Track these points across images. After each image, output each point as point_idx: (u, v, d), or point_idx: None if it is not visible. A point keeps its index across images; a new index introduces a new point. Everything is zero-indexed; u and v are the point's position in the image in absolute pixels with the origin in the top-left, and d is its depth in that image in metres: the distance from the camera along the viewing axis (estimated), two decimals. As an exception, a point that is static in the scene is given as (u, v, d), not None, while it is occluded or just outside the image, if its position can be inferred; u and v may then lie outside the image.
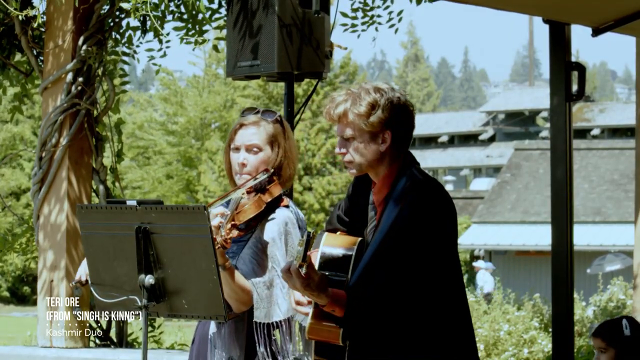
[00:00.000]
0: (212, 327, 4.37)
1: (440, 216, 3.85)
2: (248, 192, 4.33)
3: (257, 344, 4.27)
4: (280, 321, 4.30)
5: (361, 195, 4.05)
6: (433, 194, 3.85)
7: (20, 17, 7.25)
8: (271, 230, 4.32)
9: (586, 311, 16.21)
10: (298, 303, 3.99)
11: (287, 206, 4.40)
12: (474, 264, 27.38)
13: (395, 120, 3.90)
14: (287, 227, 4.33)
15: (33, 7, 7.19)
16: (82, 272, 4.34)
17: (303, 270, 3.68)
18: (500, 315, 14.95)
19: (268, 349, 4.29)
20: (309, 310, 3.93)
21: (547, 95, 5.48)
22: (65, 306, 7.46)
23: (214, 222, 4.11)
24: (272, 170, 4.34)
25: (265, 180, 4.33)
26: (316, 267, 3.89)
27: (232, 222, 4.18)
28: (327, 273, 3.84)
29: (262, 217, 4.34)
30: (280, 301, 4.28)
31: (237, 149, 4.39)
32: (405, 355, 3.82)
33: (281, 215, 4.35)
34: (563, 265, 5.39)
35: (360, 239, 3.97)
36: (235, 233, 4.18)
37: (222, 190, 28.53)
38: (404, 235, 3.78)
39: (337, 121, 3.94)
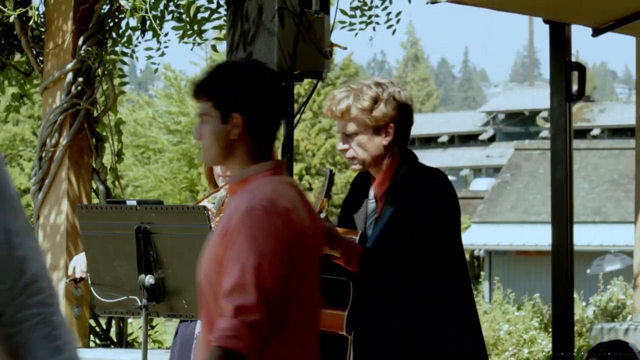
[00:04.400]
0: (198, 327, 4.38)
1: (448, 200, 3.91)
2: None
3: None
4: None
5: (359, 193, 4.06)
6: (439, 179, 3.91)
7: (12, 18, 7.23)
8: None
9: (586, 311, 16.21)
10: None
11: None
12: None
13: (397, 113, 3.93)
14: None
15: (30, 6, 7.18)
16: (77, 267, 4.33)
17: (323, 215, 3.67)
18: (500, 315, 14.96)
19: None
20: None
21: (547, 95, 5.47)
22: (64, 306, 7.46)
23: None
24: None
25: None
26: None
27: (221, 215, 4.23)
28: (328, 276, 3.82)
29: None
30: None
31: None
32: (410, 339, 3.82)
33: None
34: (563, 265, 5.38)
35: (360, 231, 3.97)
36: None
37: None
38: (416, 216, 3.81)
39: (339, 117, 3.95)
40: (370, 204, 3.99)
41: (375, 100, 3.92)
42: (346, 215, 4.10)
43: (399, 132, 3.95)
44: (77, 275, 4.31)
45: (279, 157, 4.57)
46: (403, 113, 3.95)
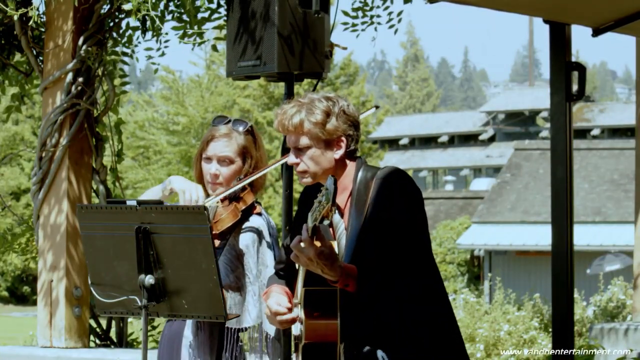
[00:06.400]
0: (189, 332, 4.39)
1: (414, 199, 3.92)
2: (222, 201, 4.38)
3: (223, 349, 4.32)
4: (249, 327, 4.35)
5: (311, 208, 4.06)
6: (401, 179, 3.92)
7: (16, 17, 7.24)
8: (245, 238, 4.39)
9: (586, 311, 16.21)
10: (277, 313, 3.96)
11: (259, 214, 4.48)
12: None
13: (348, 127, 3.97)
14: (260, 235, 4.40)
15: (31, 6, 7.18)
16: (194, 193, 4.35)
17: (327, 222, 3.65)
18: (500, 315, 14.96)
19: (233, 355, 4.34)
20: (291, 316, 3.93)
21: (547, 95, 5.47)
22: (64, 306, 7.46)
23: None
24: (244, 177, 4.40)
25: (238, 189, 4.38)
26: (301, 278, 3.89)
27: (213, 233, 4.23)
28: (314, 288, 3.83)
29: (235, 225, 4.38)
30: (251, 308, 4.33)
31: (209, 159, 4.45)
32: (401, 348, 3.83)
33: (255, 223, 4.44)
34: (563, 265, 5.38)
35: (334, 241, 3.97)
36: (216, 243, 4.23)
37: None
38: (387, 220, 3.82)
39: (292, 132, 3.95)
40: (333, 215, 3.98)
41: (328, 114, 3.94)
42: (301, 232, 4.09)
43: (349, 145, 3.98)
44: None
45: (279, 158, 4.56)
46: (352, 127, 3.99)
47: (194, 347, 4.37)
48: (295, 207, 4.91)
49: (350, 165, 3.99)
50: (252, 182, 4.45)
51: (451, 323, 3.96)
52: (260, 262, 4.37)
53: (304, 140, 3.95)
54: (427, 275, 3.90)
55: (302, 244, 3.67)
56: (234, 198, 4.40)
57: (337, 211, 3.97)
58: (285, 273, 4.14)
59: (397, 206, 3.84)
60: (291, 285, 4.11)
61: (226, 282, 4.31)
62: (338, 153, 3.96)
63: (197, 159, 4.52)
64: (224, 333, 4.35)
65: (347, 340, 3.83)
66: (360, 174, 3.95)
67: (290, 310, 3.95)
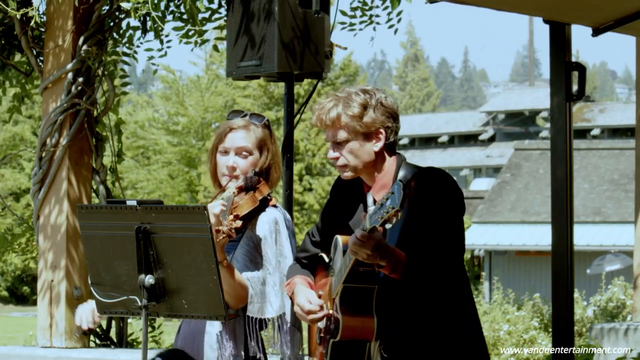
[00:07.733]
0: (212, 328, 4.39)
1: (457, 199, 3.98)
2: (238, 192, 4.39)
3: (248, 338, 4.32)
4: (272, 318, 4.36)
5: (347, 200, 4.07)
6: (444, 178, 3.98)
7: (17, 17, 7.24)
8: (262, 228, 4.39)
9: (586, 311, 16.22)
10: (310, 312, 3.99)
11: (275, 206, 4.48)
12: None
13: (386, 119, 3.98)
14: (277, 225, 4.41)
15: (31, 6, 7.18)
16: (84, 317, 4.38)
17: (389, 226, 3.65)
18: (500, 315, 14.97)
19: (259, 343, 4.34)
20: (322, 314, 3.94)
21: (547, 95, 5.48)
22: (65, 306, 7.46)
23: (216, 209, 4.16)
24: (259, 170, 4.42)
25: (255, 180, 4.39)
26: (340, 273, 3.90)
27: (234, 214, 4.24)
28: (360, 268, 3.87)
29: (252, 217, 4.39)
30: (272, 298, 4.34)
31: (226, 152, 4.46)
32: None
33: (271, 213, 4.44)
34: (563, 265, 5.38)
35: None
36: (239, 223, 4.23)
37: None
38: (431, 217, 3.85)
39: (330, 126, 3.97)
40: (371, 209, 4.00)
41: (365, 107, 3.95)
42: (334, 222, 4.10)
43: (388, 137, 3.99)
44: (85, 327, 4.36)
45: (280, 158, 4.58)
46: (391, 118, 4.00)
47: (220, 340, 4.37)
48: (295, 207, 4.93)
49: (390, 161, 4.01)
50: (268, 175, 4.47)
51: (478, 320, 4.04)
52: (278, 252, 4.37)
53: (342, 134, 3.96)
54: (465, 273, 3.95)
55: (361, 239, 3.67)
56: (250, 188, 4.41)
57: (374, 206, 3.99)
58: (309, 262, 4.16)
59: (437, 214, 3.84)
60: (314, 275, 4.15)
61: (246, 272, 4.32)
62: (377, 145, 3.97)
63: (211, 153, 4.53)
64: (247, 322, 4.35)
65: (385, 338, 3.83)
66: (400, 172, 3.97)
67: (321, 307, 3.97)
